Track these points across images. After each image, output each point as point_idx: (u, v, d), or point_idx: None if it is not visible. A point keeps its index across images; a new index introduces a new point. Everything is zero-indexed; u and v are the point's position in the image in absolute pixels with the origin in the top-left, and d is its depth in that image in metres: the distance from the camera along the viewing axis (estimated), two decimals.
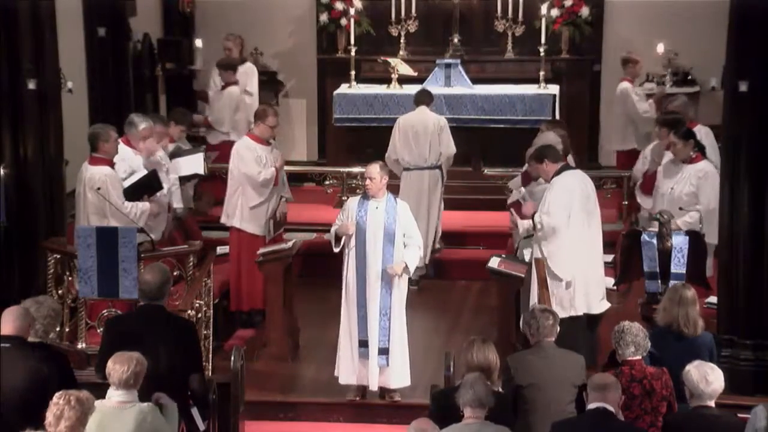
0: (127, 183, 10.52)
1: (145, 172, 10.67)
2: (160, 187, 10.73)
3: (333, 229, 9.78)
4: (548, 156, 9.92)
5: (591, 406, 7.23)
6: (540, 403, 7.82)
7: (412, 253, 9.68)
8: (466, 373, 7.47)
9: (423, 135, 12.66)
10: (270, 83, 15.46)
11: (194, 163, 11.86)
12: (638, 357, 7.85)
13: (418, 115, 12.80)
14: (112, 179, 10.31)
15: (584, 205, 9.77)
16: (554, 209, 9.64)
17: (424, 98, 12.92)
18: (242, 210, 11.28)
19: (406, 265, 9.64)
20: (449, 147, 12.72)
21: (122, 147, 10.67)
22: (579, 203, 9.73)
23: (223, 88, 13.98)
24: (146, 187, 10.51)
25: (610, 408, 7.17)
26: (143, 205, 10.38)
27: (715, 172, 10.45)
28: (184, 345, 8.04)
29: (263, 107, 11.70)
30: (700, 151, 10.85)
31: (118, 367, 7.14)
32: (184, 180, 11.85)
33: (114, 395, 7.16)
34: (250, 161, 11.19)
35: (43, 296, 8.43)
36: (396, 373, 9.76)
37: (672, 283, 8.94)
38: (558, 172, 9.83)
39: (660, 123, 11.28)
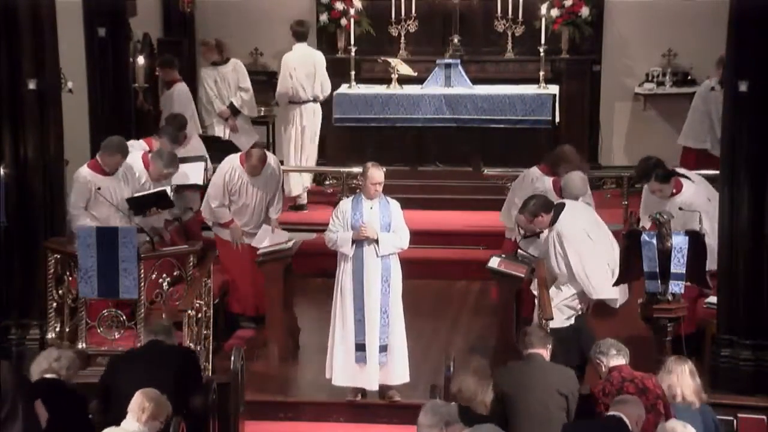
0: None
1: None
2: (171, 205, 10.77)
3: (341, 236, 9.71)
4: (541, 208, 10.01)
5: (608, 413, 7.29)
6: (525, 408, 7.82)
7: (391, 235, 9.68)
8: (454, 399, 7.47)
9: (313, 70, 13.94)
10: (270, 83, 15.45)
11: (194, 173, 11.76)
12: (623, 361, 7.84)
13: (304, 51, 14.08)
14: (78, 181, 10.44)
15: (591, 232, 9.94)
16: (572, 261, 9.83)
17: (305, 34, 14.12)
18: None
19: (379, 239, 9.61)
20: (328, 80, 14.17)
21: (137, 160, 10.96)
22: (586, 238, 9.88)
23: (168, 87, 13.94)
24: (154, 202, 10.52)
25: (626, 419, 7.18)
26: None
27: (698, 193, 10.41)
28: (185, 374, 8.15)
29: (251, 150, 11.35)
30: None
31: (147, 405, 7.27)
32: (182, 188, 11.79)
33: (128, 425, 7.28)
34: (219, 177, 11.18)
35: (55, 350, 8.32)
36: (396, 369, 9.76)
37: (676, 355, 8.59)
38: (554, 219, 9.94)
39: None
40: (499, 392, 7.86)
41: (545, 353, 8.06)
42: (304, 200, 14.19)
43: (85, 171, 10.55)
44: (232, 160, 11.30)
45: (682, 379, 7.88)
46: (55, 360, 7.91)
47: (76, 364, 8.05)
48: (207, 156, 12.28)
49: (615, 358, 7.88)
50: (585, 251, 9.86)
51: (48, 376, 7.87)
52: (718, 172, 11.53)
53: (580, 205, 10.37)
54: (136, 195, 10.56)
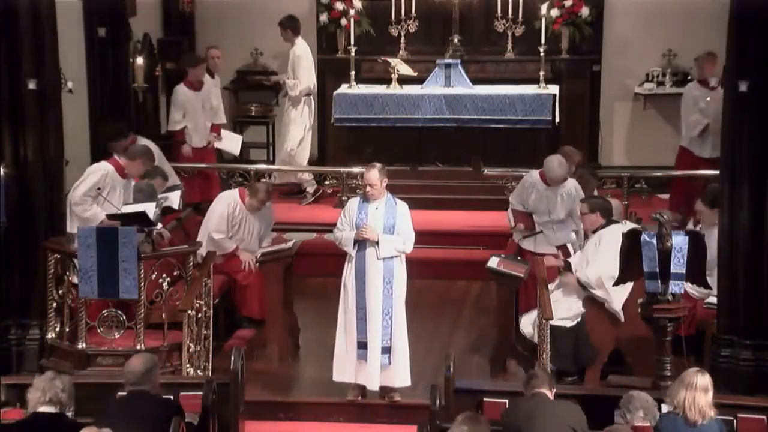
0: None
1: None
2: (152, 225, 10.65)
3: (345, 235, 9.68)
4: (599, 209, 10.20)
5: None
6: None
7: (394, 238, 9.66)
8: None
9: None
10: (269, 82, 15.46)
11: (170, 198, 11.28)
12: (647, 424, 7.62)
13: (305, 45, 14.44)
14: (95, 174, 10.48)
15: None
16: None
17: (300, 28, 14.34)
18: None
19: (379, 240, 9.60)
20: None
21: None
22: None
23: (198, 88, 13.91)
24: (137, 219, 10.46)
25: None
26: (97, 215, 10.44)
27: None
28: (166, 426, 7.76)
29: (258, 186, 11.46)
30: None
31: None
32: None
33: None
34: (221, 209, 11.10)
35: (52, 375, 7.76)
36: (398, 372, 9.75)
37: (688, 370, 8.07)
38: (603, 226, 10.14)
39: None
40: (507, 428, 7.76)
41: (550, 394, 7.93)
42: (313, 184, 14.45)
43: (108, 167, 10.54)
44: (233, 195, 11.26)
45: (696, 395, 7.66)
46: (61, 390, 7.44)
47: (74, 391, 7.65)
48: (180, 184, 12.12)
49: (641, 420, 7.62)
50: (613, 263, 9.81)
51: (46, 409, 7.41)
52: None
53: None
54: (118, 213, 10.42)
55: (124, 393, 7.93)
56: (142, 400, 7.81)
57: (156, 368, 7.96)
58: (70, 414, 7.59)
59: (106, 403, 8.00)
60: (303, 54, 14.31)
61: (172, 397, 8.41)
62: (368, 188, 9.69)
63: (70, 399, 7.54)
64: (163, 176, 11.57)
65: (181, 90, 13.87)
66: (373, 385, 9.77)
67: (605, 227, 10.13)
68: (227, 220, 11.10)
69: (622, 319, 9.93)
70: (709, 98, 13.33)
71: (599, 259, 9.93)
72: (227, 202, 11.18)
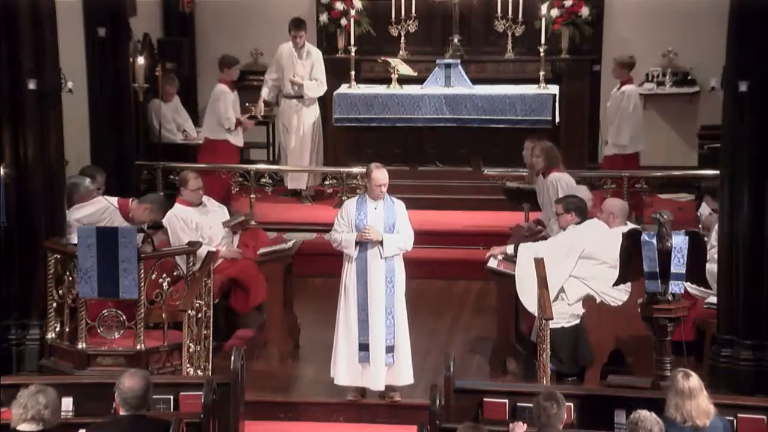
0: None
1: None
2: None
3: (345, 236, 9.65)
4: (574, 209, 10.25)
5: None
6: None
7: (396, 237, 9.66)
8: None
9: None
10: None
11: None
12: None
13: None
14: (92, 206, 10.76)
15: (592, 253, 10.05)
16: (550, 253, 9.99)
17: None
18: None
19: (383, 240, 9.60)
20: None
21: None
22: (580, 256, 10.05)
23: (233, 88, 14.07)
24: None
25: None
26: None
27: None
28: None
29: (185, 173, 11.40)
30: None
31: None
32: None
33: None
34: (176, 223, 10.95)
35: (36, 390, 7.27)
36: (401, 371, 9.75)
37: (676, 370, 7.93)
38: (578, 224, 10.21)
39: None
40: None
41: (560, 427, 7.85)
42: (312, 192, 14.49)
43: (113, 202, 10.77)
44: (175, 207, 11.06)
45: (699, 400, 7.51)
46: (44, 407, 7.04)
47: (59, 404, 7.30)
48: None
49: None
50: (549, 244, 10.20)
51: (27, 427, 7.01)
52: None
53: (604, 228, 10.37)
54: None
55: (119, 416, 7.40)
56: (140, 428, 7.34)
57: (151, 387, 7.46)
58: (70, 413, 7.53)
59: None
60: (320, 56, 14.41)
61: (171, 398, 8.44)
62: (382, 188, 9.63)
63: (53, 415, 7.14)
64: (101, 173, 11.60)
65: (226, 89, 14.06)
66: (379, 386, 9.76)
67: (578, 225, 10.18)
68: (188, 226, 11.01)
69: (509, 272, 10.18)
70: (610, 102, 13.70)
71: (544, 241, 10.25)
72: (173, 215, 10.96)
